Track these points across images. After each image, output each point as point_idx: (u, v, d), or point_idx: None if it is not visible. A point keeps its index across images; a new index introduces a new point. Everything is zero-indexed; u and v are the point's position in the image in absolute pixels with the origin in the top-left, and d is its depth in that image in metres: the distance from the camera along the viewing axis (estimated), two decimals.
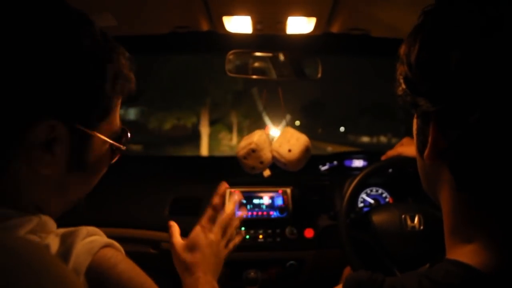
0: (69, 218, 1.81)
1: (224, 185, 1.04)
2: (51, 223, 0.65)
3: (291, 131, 1.54)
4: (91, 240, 0.66)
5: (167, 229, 1.71)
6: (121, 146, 0.73)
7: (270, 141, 1.55)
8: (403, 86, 0.57)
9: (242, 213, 1.12)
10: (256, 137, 1.50)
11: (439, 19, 0.54)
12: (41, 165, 0.60)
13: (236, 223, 1.06)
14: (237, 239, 1.07)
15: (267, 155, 1.51)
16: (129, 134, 0.76)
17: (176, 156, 3.60)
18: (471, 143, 0.49)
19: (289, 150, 1.47)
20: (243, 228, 1.71)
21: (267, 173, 1.56)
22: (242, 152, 1.50)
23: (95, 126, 0.65)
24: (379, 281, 0.57)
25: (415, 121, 0.60)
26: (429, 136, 0.54)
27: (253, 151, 1.49)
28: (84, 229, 0.67)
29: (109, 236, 1.82)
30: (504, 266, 0.51)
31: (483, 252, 0.52)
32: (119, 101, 0.70)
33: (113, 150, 0.72)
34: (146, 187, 1.91)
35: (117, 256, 0.68)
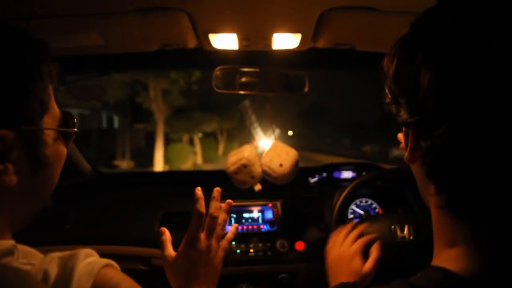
0: (58, 236, 1.79)
1: (198, 190, 1.03)
2: (31, 250, 0.65)
3: (281, 145, 1.55)
4: (91, 261, 0.66)
5: (157, 245, 1.71)
6: (72, 129, 0.75)
7: (259, 155, 1.56)
8: (388, 96, 0.61)
9: (233, 226, 1.11)
10: (246, 152, 1.51)
11: (414, 37, 0.57)
12: (5, 176, 0.60)
13: (222, 219, 1.04)
14: (225, 242, 1.05)
15: (257, 169, 1.52)
16: (74, 117, 0.76)
17: (166, 172, 3.59)
18: (440, 152, 0.53)
19: (280, 165, 1.48)
20: (233, 242, 1.71)
21: (258, 187, 1.57)
22: (232, 168, 1.51)
23: (40, 122, 0.66)
24: None
25: (403, 128, 0.64)
26: (409, 141, 0.59)
27: (244, 166, 1.49)
28: (83, 252, 0.67)
29: (99, 254, 1.81)
30: (485, 271, 0.53)
31: (464, 257, 0.54)
32: (51, 89, 0.71)
33: (65, 136, 0.73)
34: (135, 203, 1.91)
35: (118, 275, 0.68)
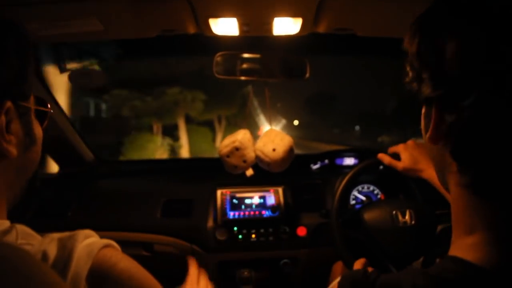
0: (60, 223, 1.81)
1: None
2: (30, 231, 0.65)
3: (275, 131, 1.55)
4: (90, 242, 0.67)
5: (159, 231, 1.73)
6: (50, 109, 0.78)
7: (254, 141, 1.54)
8: (410, 74, 0.59)
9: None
10: (240, 135, 1.50)
11: (436, 9, 0.56)
12: (9, 147, 0.62)
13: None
14: None
15: (250, 154, 1.50)
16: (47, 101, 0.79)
17: (167, 159, 3.61)
18: (467, 126, 0.51)
19: (274, 150, 1.47)
20: (235, 228, 1.72)
21: (249, 172, 1.55)
22: (225, 150, 1.49)
23: (28, 100, 0.69)
24: (372, 278, 0.58)
25: (423, 107, 0.62)
26: (431, 120, 0.56)
27: (237, 149, 1.48)
28: (81, 233, 0.68)
29: None
30: (504, 261, 0.51)
31: (483, 246, 0.53)
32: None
33: (40, 116, 0.75)
34: (137, 190, 1.92)
35: (117, 255, 0.69)
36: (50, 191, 1.92)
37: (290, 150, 1.51)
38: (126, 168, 2.38)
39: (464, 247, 0.55)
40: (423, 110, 0.62)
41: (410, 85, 0.60)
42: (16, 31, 0.67)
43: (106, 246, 0.69)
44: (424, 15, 0.58)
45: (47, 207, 1.81)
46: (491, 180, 0.52)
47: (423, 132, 0.62)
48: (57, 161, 2.06)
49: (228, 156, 1.50)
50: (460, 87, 0.50)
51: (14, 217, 0.68)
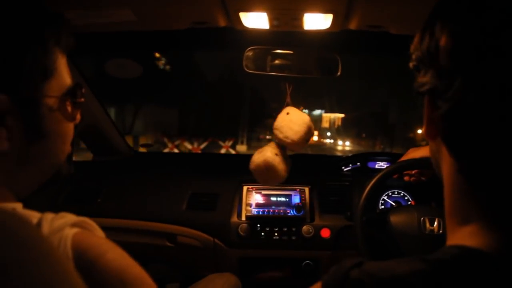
0: (89, 209, 1.86)
1: None
2: (32, 212, 0.64)
3: (293, 109, 1.55)
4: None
5: (184, 223, 1.75)
6: (76, 99, 0.71)
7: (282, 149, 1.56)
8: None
9: None
10: (268, 152, 1.52)
11: (434, 8, 0.57)
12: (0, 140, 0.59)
13: None
14: None
15: (280, 167, 1.53)
16: (82, 89, 0.73)
17: (197, 154, 3.66)
18: (458, 117, 0.51)
19: (292, 129, 1.49)
20: (258, 225, 1.71)
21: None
22: (253, 166, 1.54)
23: (40, 89, 0.63)
24: (347, 266, 0.56)
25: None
26: (424, 114, 0.57)
27: (267, 170, 1.52)
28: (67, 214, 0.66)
29: (126, 228, 1.86)
30: (503, 246, 0.50)
31: (481, 234, 0.51)
32: (63, 58, 0.68)
33: (71, 105, 0.70)
34: (166, 182, 1.94)
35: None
36: (83, 177, 1.98)
37: (309, 129, 1.52)
38: (157, 160, 2.42)
39: (461, 236, 0.54)
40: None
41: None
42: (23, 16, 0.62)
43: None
44: (432, 10, 0.59)
45: (79, 193, 1.87)
46: (485, 168, 0.51)
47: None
48: (91, 149, 2.12)
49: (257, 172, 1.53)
50: (448, 74, 0.51)
51: (45, 203, 0.69)
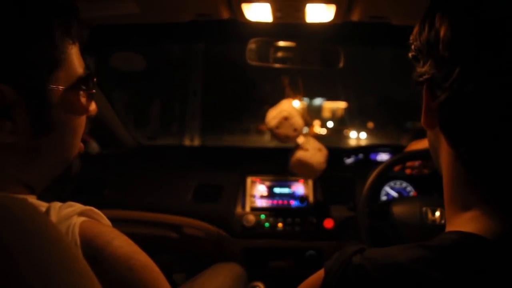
0: (95, 200, 1.88)
1: None
2: (42, 203, 0.64)
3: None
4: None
5: (189, 214, 1.77)
6: (88, 90, 0.69)
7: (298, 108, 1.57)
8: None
9: None
10: (285, 105, 1.51)
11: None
12: (3, 133, 0.58)
13: None
14: None
15: (299, 121, 1.52)
16: (94, 78, 0.71)
17: (202, 146, 3.67)
18: (458, 103, 0.51)
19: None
20: (263, 216, 1.73)
21: (301, 139, 1.56)
22: (274, 122, 1.50)
23: (48, 79, 0.61)
24: (349, 253, 0.56)
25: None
26: (423, 103, 0.58)
27: (286, 119, 1.49)
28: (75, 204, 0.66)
29: (132, 219, 1.87)
30: (503, 231, 0.50)
31: (479, 219, 0.52)
32: (75, 48, 0.67)
33: (82, 96, 0.68)
34: (171, 174, 1.96)
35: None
36: (89, 169, 2.00)
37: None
38: (163, 152, 2.44)
39: (461, 222, 0.54)
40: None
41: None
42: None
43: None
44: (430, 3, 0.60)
45: (85, 185, 1.89)
46: (483, 155, 0.52)
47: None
48: (97, 141, 2.14)
49: (277, 127, 1.50)
50: (446, 63, 0.52)
51: (51, 194, 0.69)
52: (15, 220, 0.43)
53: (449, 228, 0.57)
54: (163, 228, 1.79)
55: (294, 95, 1.59)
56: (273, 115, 1.50)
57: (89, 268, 0.49)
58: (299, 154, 1.55)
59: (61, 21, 0.63)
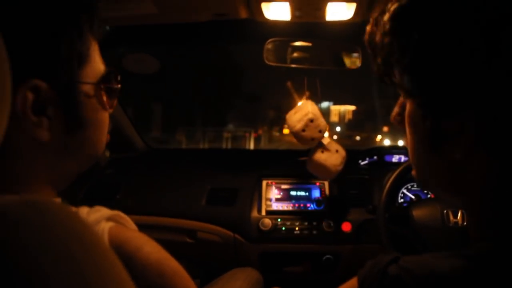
0: (108, 205, 1.86)
1: None
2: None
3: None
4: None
5: (203, 218, 1.74)
6: (112, 86, 0.69)
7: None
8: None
9: None
10: (309, 106, 1.49)
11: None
12: (39, 130, 0.57)
13: None
14: None
15: (323, 122, 1.50)
16: (118, 74, 0.70)
17: (215, 149, 3.67)
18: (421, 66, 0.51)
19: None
20: (279, 220, 1.70)
21: (327, 140, 1.54)
22: (300, 125, 1.47)
23: (75, 75, 0.61)
24: (384, 262, 0.54)
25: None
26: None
27: (311, 121, 1.47)
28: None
29: (146, 224, 1.86)
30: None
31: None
32: (96, 45, 0.66)
33: (107, 93, 0.67)
34: (184, 178, 1.94)
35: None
36: (101, 173, 1.98)
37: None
38: (175, 156, 2.42)
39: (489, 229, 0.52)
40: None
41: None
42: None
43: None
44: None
45: (97, 189, 1.87)
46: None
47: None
48: (107, 145, 2.12)
49: (304, 130, 1.48)
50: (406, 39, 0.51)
51: (64, 199, 0.68)
52: (58, 225, 0.41)
53: (476, 234, 0.55)
54: (177, 233, 1.76)
55: (311, 97, 1.56)
56: (298, 118, 1.47)
57: (125, 271, 0.48)
58: (318, 155, 1.52)
59: (87, 17, 0.62)
